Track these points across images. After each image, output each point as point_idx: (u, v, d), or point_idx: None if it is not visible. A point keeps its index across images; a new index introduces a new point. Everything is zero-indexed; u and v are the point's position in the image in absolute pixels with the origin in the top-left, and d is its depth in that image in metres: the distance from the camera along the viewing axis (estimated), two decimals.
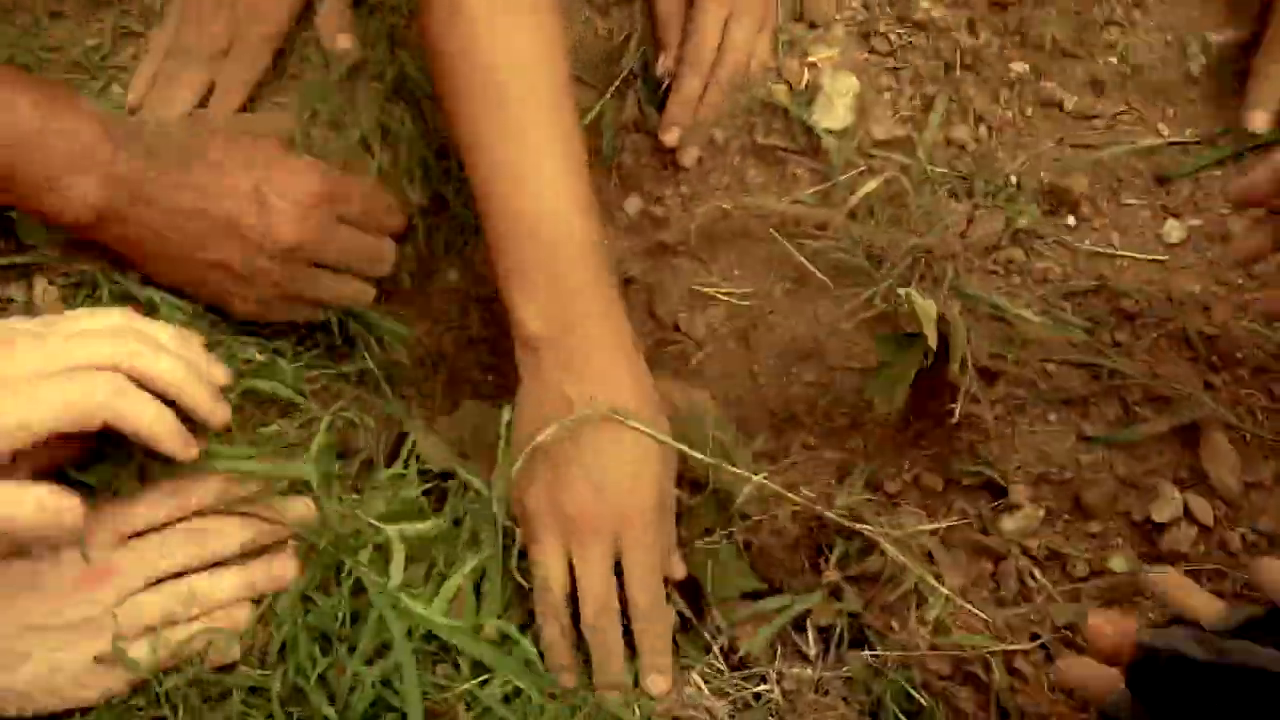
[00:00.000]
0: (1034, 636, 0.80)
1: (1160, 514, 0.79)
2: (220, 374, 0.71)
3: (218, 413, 0.69)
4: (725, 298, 0.89)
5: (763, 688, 0.79)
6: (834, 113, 0.87)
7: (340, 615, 0.71)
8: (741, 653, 0.79)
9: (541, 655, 0.74)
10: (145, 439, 0.65)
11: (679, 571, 0.79)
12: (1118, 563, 0.80)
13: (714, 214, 0.87)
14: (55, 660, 0.66)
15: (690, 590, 0.81)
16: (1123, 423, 0.81)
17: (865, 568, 0.80)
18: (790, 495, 0.79)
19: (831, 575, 0.80)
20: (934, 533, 0.82)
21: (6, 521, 0.61)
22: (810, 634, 0.81)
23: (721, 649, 0.80)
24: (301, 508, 0.74)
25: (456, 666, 0.74)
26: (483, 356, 0.96)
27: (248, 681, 0.69)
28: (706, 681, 0.78)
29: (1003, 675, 0.78)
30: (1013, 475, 0.82)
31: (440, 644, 0.74)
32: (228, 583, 0.71)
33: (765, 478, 0.78)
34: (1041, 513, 0.81)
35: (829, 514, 0.79)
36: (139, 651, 0.67)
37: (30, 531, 0.62)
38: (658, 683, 0.75)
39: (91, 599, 0.67)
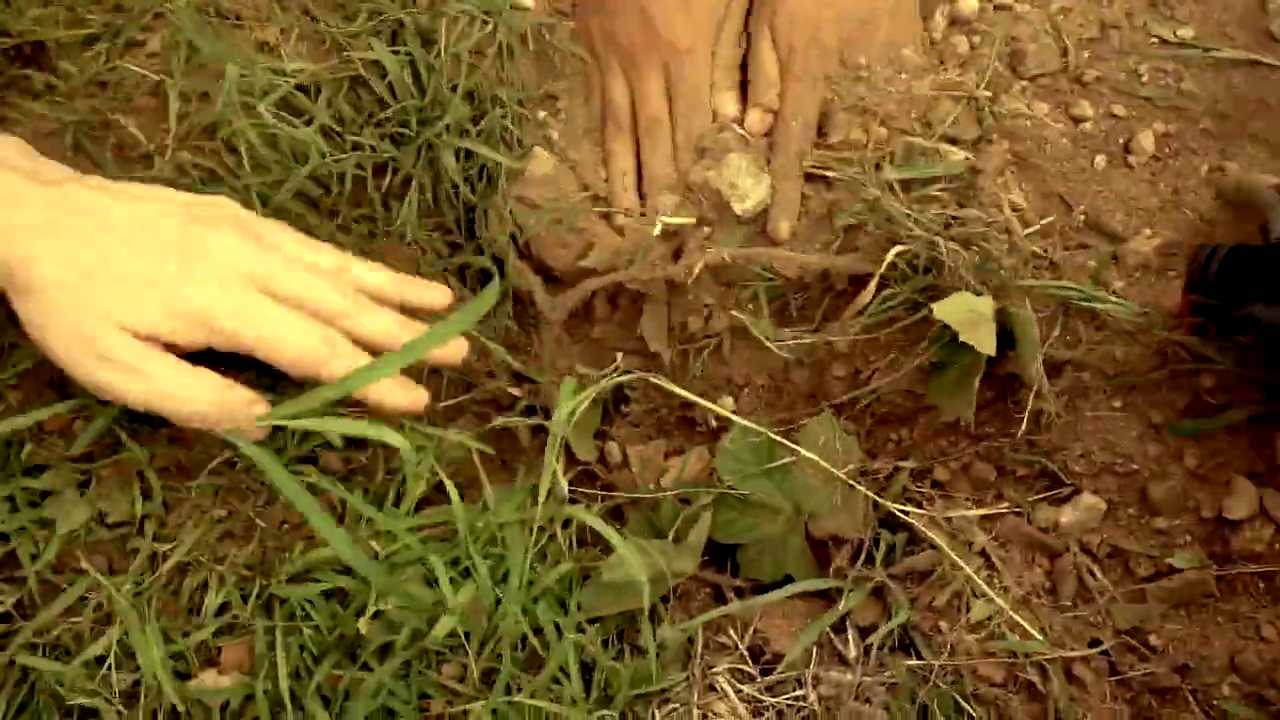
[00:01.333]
0: (1094, 642, 0.73)
1: (1234, 511, 0.72)
2: (438, 295, 0.73)
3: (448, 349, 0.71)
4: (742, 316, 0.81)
5: (798, 693, 0.72)
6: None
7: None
8: (782, 665, 0.72)
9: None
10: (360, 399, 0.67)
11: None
12: (1184, 559, 0.73)
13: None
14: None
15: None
16: (1193, 411, 0.74)
17: (912, 565, 0.74)
18: (843, 476, 0.72)
19: (876, 572, 0.73)
20: (986, 518, 0.75)
21: (174, 412, 0.63)
22: (850, 635, 0.74)
23: (750, 648, 0.74)
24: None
25: (465, 668, 0.68)
26: None
27: (244, 690, 0.63)
28: (736, 689, 0.72)
29: (1061, 683, 0.71)
30: (1073, 465, 0.75)
31: (447, 644, 0.67)
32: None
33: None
34: (1103, 506, 0.75)
35: (883, 501, 0.72)
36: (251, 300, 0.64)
37: (199, 424, 0.64)
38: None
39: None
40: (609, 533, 0.68)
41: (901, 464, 0.78)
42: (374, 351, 0.67)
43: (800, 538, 0.75)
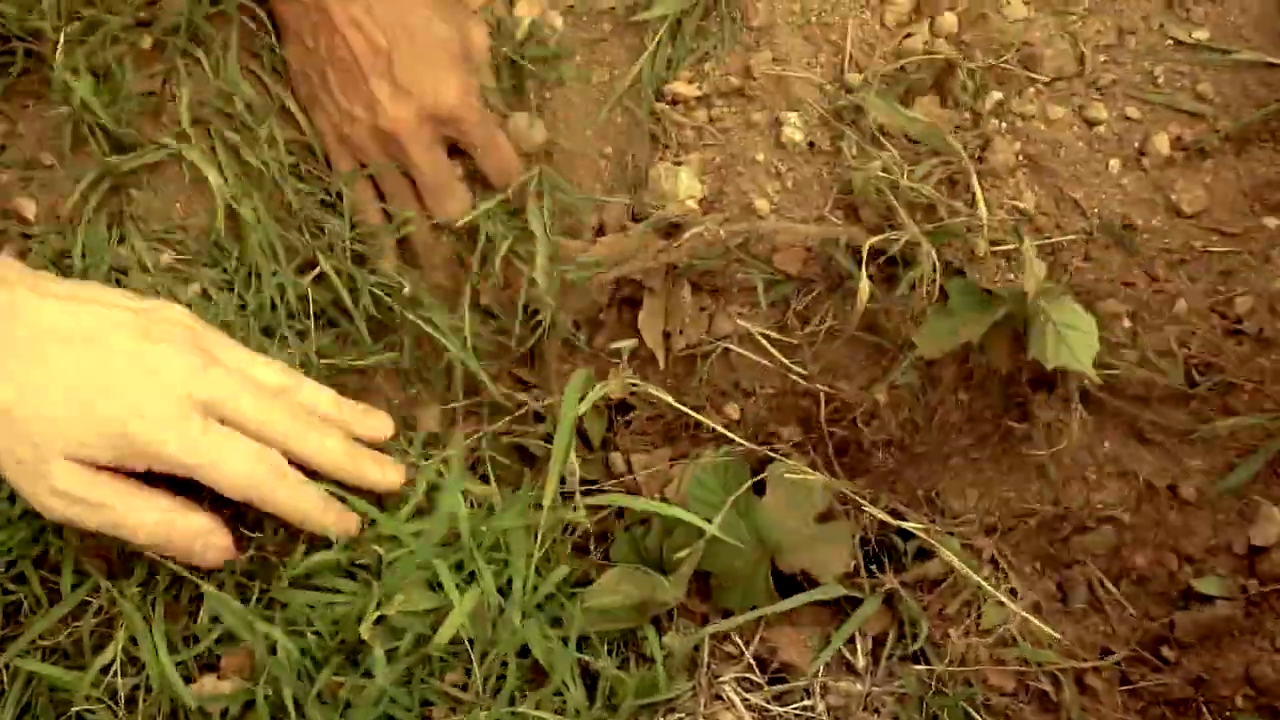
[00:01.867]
0: (1105, 651, 0.72)
1: (1262, 537, 0.71)
2: (381, 425, 0.72)
3: (387, 477, 0.69)
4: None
5: (806, 703, 0.72)
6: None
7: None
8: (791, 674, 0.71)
9: None
10: (298, 525, 0.66)
11: None
12: (1209, 585, 0.72)
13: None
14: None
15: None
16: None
17: (923, 573, 0.73)
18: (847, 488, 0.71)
19: (886, 578, 0.72)
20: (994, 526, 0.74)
21: (129, 539, 0.63)
22: (860, 644, 0.73)
23: (757, 657, 0.73)
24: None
25: (469, 673, 0.67)
26: None
27: (244, 696, 0.62)
28: (743, 698, 0.71)
29: (1073, 693, 0.70)
30: (1093, 505, 0.74)
31: (451, 650, 0.67)
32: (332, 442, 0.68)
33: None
34: (1115, 541, 0.74)
35: (886, 519, 0.71)
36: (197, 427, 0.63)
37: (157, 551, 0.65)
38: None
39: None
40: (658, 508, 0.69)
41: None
42: (313, 474, 0.67)
43: (766, 574, 0.73)
